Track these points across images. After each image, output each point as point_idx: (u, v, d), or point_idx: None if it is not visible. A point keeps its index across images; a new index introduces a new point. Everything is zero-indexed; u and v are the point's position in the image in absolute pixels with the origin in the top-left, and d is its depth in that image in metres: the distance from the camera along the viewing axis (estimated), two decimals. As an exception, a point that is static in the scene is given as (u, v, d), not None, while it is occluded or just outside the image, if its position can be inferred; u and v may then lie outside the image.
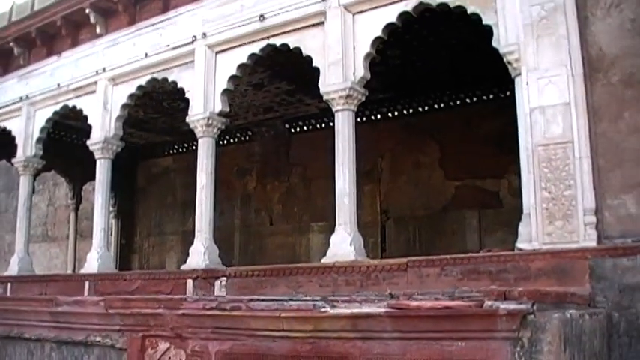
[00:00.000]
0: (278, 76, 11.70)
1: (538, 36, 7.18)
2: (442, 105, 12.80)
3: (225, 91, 9.42)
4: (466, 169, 12.26)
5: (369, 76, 8.36)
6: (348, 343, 5.19)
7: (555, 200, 6.76)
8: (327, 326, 5.29)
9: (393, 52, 10.70)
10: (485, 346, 4.56)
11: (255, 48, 9.18)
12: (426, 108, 12.94)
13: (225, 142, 14.83)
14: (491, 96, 12.35)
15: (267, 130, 14.52)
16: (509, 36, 7.36)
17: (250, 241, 14.60)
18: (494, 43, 7.47)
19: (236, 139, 15.03)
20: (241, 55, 9.29)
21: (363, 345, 5.08)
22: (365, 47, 8.29)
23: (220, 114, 9.46)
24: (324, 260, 7.98)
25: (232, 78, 9.40)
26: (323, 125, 13.56)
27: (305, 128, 14.16)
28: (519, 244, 6.94)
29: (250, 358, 5.77)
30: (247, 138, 14.94)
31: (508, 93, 11.76)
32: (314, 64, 8.55)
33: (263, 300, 5.75)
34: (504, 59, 7.37)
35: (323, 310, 5.17)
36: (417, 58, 11.06)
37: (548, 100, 6.98)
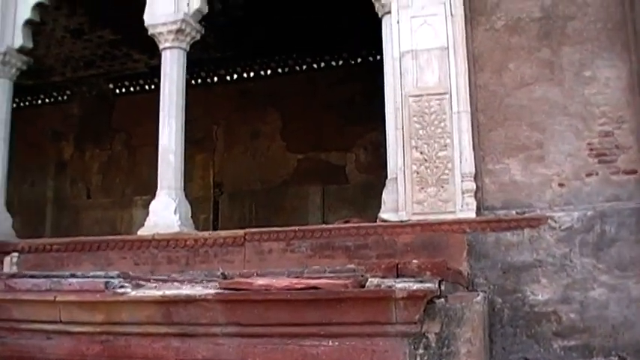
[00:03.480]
0: (100, 22, 9.68)
1: None
2: (286, 70, 11.31)
3: (28, 23, 7.32)
4: (310, 140, 10.93)
5: (206, 9, 6.75)
6: (157, 343, 3.43)
7: (428, 162, 5.46)
8: (127, 317, 3.52)
9: (235, 1, 9.00)
10: (371, 346, 2.97)
11: (68, -34, 7.19)
12: (269, 72, 11.43)
13: (39, 101, 12.64)
14: (340, 62, 11.09)
15: (89, 90, 12.33)
16: None
17: (65, 216, 12.36)
18: None
19: (52, 99, 12.69)
20: (50, -25, 7.27)
21: (181, 345, 3.34)
22: (203, -27, 6.57)
23: (21, 50, 7.36)
24: (141, 232, 6.23)
25: (38, 6, 7.30)
26: (153, 87, 11.52)
27: (132, 89, 12.15)
28: (383, 215, 5.57)
29: (12, 366, 3.85)
30: (65, 98, 12.64)
31: (359, 60, 10.68)
32: (140, -9, 6.72)
33: (33, 277, 3.77)
34: None
35: (120, 291, 3.36)
36: (261, 11, 9.38)
37: (423, 43, 5.71)
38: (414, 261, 3.74)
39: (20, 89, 12.31)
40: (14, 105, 12.58)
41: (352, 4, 7.91)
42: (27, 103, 12.64)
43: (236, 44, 10.64)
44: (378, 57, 10.48)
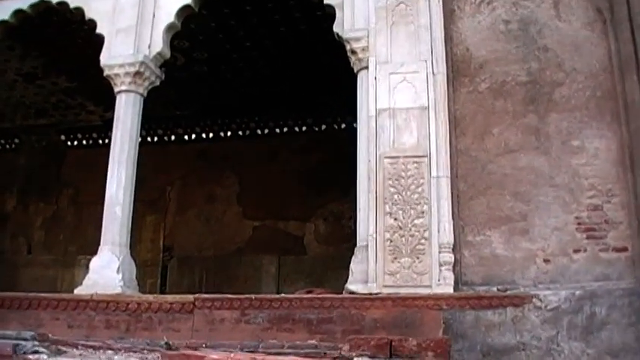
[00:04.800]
0: (56, 67, 9.09)
1: (393, 23, 5.54)
2: (247, 133, 10.81)
3: (-28, 56, 6.72)
4: (268, 207, 10.37)
5: (168, 54, 6.23)
6: None
7: (403, 230, 4.92)
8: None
9: (200, 55, 8.57)
10: None
11: (24, 3, 6.61)
12: (229, 134, 10.92)
13: (-18, 149, 11.76)
14: (304, 128, 10.65)
15: (38, 140, 11.62)
16: (356, 20, 5.65)
17: (1, 271, 11.41)
18: (335, 28, 5.70)
19: (-2, 146, 11.94)
20: (4, 10, 6.67)
21: None
22: (168, 16, 6.19)
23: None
24: (78, 290, 5.50)
25: (-14, 40, 6.74)
26: (106, 141, 10.89)
27: (84, 142, 11.49)
28: (351, 286, 4.99)
29: None
30: (13, 146, 11.87)
31: (324, 127, 10.30)
32: (98, 30, 6.23)
33: None
34: (347, 48, 5.59)
35: (31, 358, 2.66)
36: (225, 69, 8.95)
37: (402, 101, 5.26)
38: (412, 339, 3.12)
39: (-36, 134, 11.65)
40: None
41: (324, 59, 7.58)
42: (-30, 150, 11.87)
43: (196, 102, 10.21)
44: (343, 125, 10.23)
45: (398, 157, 5.08)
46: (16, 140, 11.82)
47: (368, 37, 5.46)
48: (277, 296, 5.17)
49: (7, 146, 11.91)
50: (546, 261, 4.82)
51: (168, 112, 10.43)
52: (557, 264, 4.79)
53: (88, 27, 6.56)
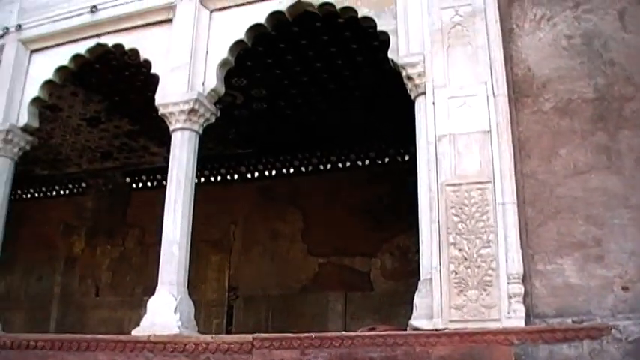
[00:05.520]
0: (118, 111, 9.23)
1: (449, 45, 5.30)
2: (309, 168, 10.78)
3: (35, 100, 6.81)
4: (333, 243, 10.23)
5: (222, 90, 6.15)
6: None
7: (468, 261, 4.65)
8: None
9: (258, 92, 8.55)
10: None
11: (82, 48, 6.70)
12: (291, 170, 10.90)
13: (53, 192, 12.22)
14: (366, 162, 10.55)
15: (104, 183, 11.83)
16: (411, 45, 5.43)
17: (70, 313, 11.57)
18: (390, 55, 5.51)
19: (66, 191, 12.23)
20: (63, 56, 6.77)
21: None
22: (221, 52, 6.09)
23: (26, 129, 6.80)
24: (135, 331, 5.42)
25: (48, 83, 6.82)
26: (171, 182, 11.00)
27: (149, 184, 11.64)
28: (415, 322, 4.74)
29: None
30: (80, 190, 12.12)
31: (387, 160, 10.18)
32: (153, 69, 6.23)
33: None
34: (403, 74, 5.40)
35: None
36: (286, 103, 8.90)
37: (462, 126, 5.02)
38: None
39: (35, 179, 11.92)
40: (28, 195, 12.30)
41: (382, 90, 7.47)
42: (41, 195, 12.17)
43: (257, 140, 10.19)
44: (407, 157, 10.04)
45: (460, 184, 4.82)
46: (83, 184, 12.04)
47: (424, 61, 5.24)
48: (338, 334, 4.94)
49: (75, 190, 12.14)
50: (624, 288, 4.44)
51: (229, 150, 10.49)
52: (636, 291, 4.41)
53: (145, 68, 6.61)
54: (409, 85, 5.34)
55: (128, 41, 6.47)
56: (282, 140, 10.17)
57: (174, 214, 5.66)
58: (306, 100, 8.73)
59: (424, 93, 5.20)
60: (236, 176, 11.11)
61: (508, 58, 5.21)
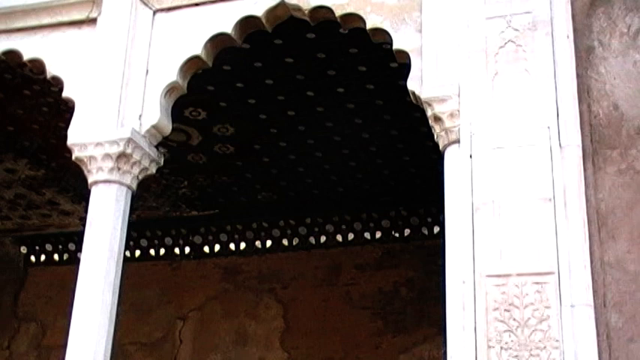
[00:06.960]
0: (11, 148, 9.29)
1: (497, 73, 5.45)
2: (295, 242, 11.18)
3: None
4: (327, 353, 10.49)
5: (169, 127, 6.27)
6: None
7: (521, 390, 4.70)
8: None
9: (222, 129, 8.67)
10: None
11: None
12: (268, 243, 11.25)
13: None
14: (377, 234, 10.86)
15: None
16: (440, 71, 5.56)
17: None
18: (410, 85, 5.68)
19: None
20: None
21: None
22: (168, 71, 6.24)
23: None
24: None
25: None
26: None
27: (56, 257, 11.85)
28: None
29: None
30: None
31: (406, 232, 10.37)
32: (66, 92, 6.34)
33: None
34: (428, 113, 5.54)
35: None
36: (262, 148, 9.08)
37: (512, 190, 5.14)
38: None
39: None
40: None
41: (404, 133, 7.60)
42: None
43: (220, 198, 10.37)
44: (436, 228, 10.20)
45: (508, 275, 4.90)
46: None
47: (459, 95, 5.38)
48: None
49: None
50: None
51: (179, 212, 10.63)
52: None
53: (56, 87, 6.69)
54: (436, 128, 5.46)
55: (28, 47, 6.58)
56: (255, 199, 10.36)
57: (90, 303, 5.69)
58: (291, 143, 8.84)
59: (458, 141, 5.32)
60: (187, 249, 11.29)
61: (584, 92, 5.34)
